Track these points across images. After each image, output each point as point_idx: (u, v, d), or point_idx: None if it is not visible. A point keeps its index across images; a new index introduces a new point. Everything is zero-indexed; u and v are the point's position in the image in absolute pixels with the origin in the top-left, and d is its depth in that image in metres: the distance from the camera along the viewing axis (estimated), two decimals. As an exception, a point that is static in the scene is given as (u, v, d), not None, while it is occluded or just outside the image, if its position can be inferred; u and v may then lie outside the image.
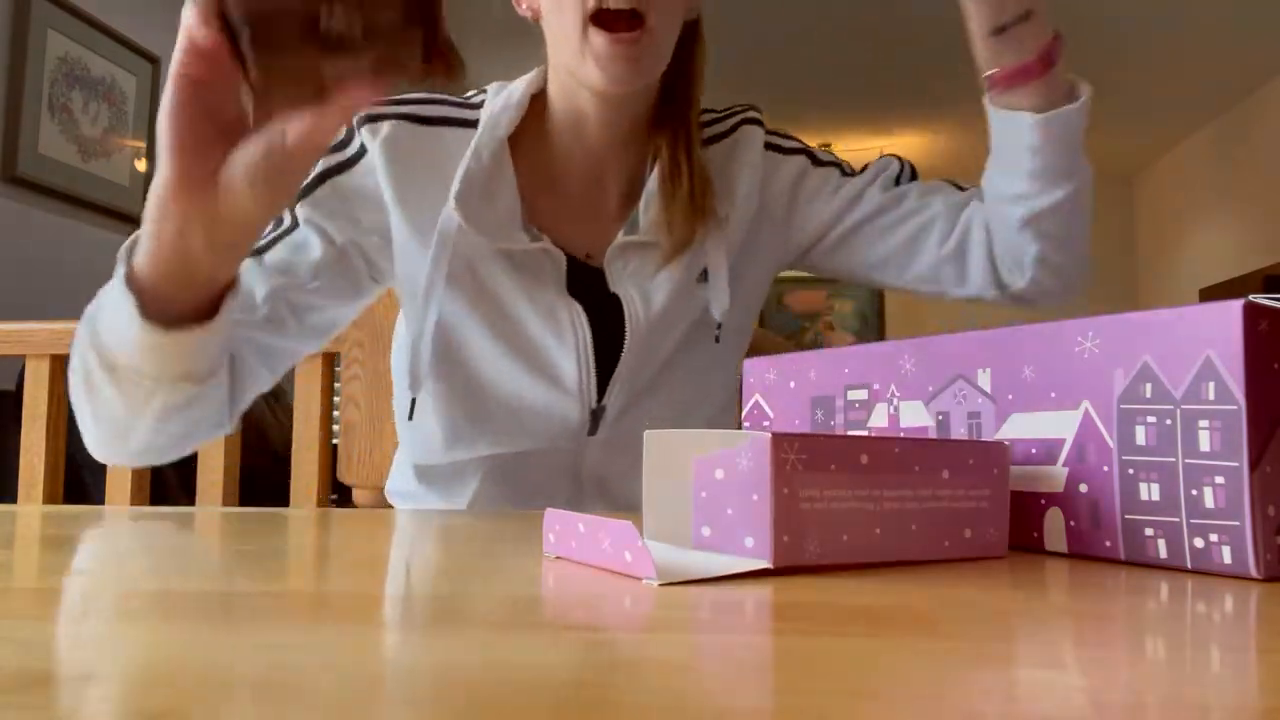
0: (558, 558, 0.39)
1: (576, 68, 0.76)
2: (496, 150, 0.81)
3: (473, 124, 0.83)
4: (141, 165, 2.55)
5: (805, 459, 0.36)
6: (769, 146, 0.89)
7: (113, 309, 0.58)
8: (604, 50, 0.73)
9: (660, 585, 0.32)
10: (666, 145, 0.84)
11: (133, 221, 2.51)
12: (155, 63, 2.59)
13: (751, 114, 0.90)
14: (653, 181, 0.84)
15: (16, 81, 2.14)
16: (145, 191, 2.89)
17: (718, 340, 0.86)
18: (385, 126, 0.80)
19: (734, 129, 0.89)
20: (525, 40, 0.85)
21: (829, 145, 5.68)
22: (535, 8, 0.81)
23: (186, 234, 0.51)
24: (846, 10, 3.87)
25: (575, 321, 0.81)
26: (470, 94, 0.87)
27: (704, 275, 0.85)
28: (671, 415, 0.85)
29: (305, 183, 0.79)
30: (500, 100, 0.83)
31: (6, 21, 2.14)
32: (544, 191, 0.84)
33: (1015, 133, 0.75)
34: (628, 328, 0.82)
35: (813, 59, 4.37)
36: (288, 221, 0.78)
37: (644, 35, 0.74)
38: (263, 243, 0.77)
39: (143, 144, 2.56)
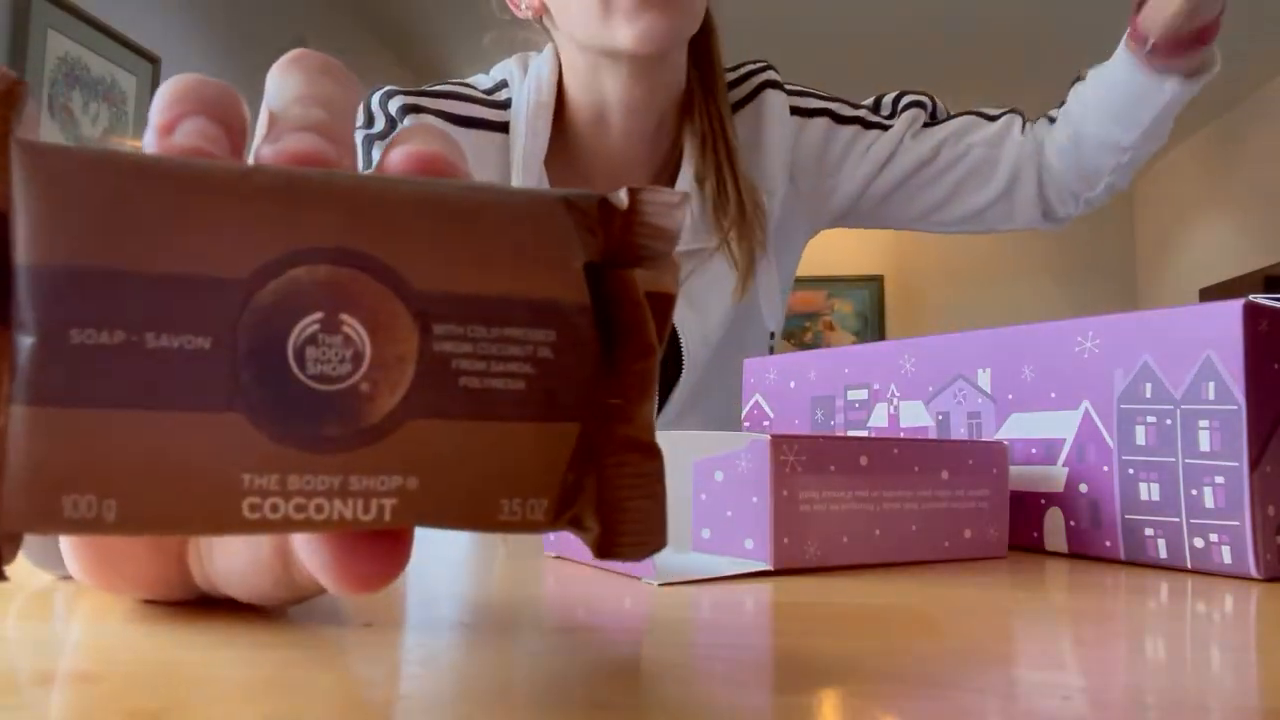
0: (557, 557, 0.39)
1: (603, 36, 0.71)
2: (539, 169, 0.76)
3: (500, 127, 0.78)
4: (141, 165, 2.55)
5: (805, 460, 0.36)
6: (792, 111, 0.84)
7: None
8: (633, 9, 0.69)
9: (660, 585, 0.32)
10: (700, 148, 0.79)
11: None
12: (155, 63, 2.59)
13: (770, 74, 0.86)
14: (685, 185, 0.79)
15: (16, 81, 2.14)
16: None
17: (771, 350, 0.83)
18: (430, 121, 0.75)
19: (755, 93, 0.84)
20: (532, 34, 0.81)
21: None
22: (536, 5, 0.76)
23: None
24: (845, 11, 3.88)
25: None
26: (489, 86, 0.81)
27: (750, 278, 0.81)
28: (715, 424, 0.83)
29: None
30: (529, 97, 0.77)
31: (6, 21, 2.14)
32: None
33: (1155, 94, 0.75)
34: (685, 352, 0.78)
35: (813, 59, 4.37)
36: None
37: None
38: None
39: (142, 144, 2.56)
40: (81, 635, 0.24)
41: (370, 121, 0.78)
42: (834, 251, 6.55)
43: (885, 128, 0.85)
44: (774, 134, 0.83)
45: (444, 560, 0.41)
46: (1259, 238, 4.75)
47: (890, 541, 0.37)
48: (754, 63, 0.87)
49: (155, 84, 2.59)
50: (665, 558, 0.36)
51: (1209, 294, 5.14)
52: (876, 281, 6.51)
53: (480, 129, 0.78)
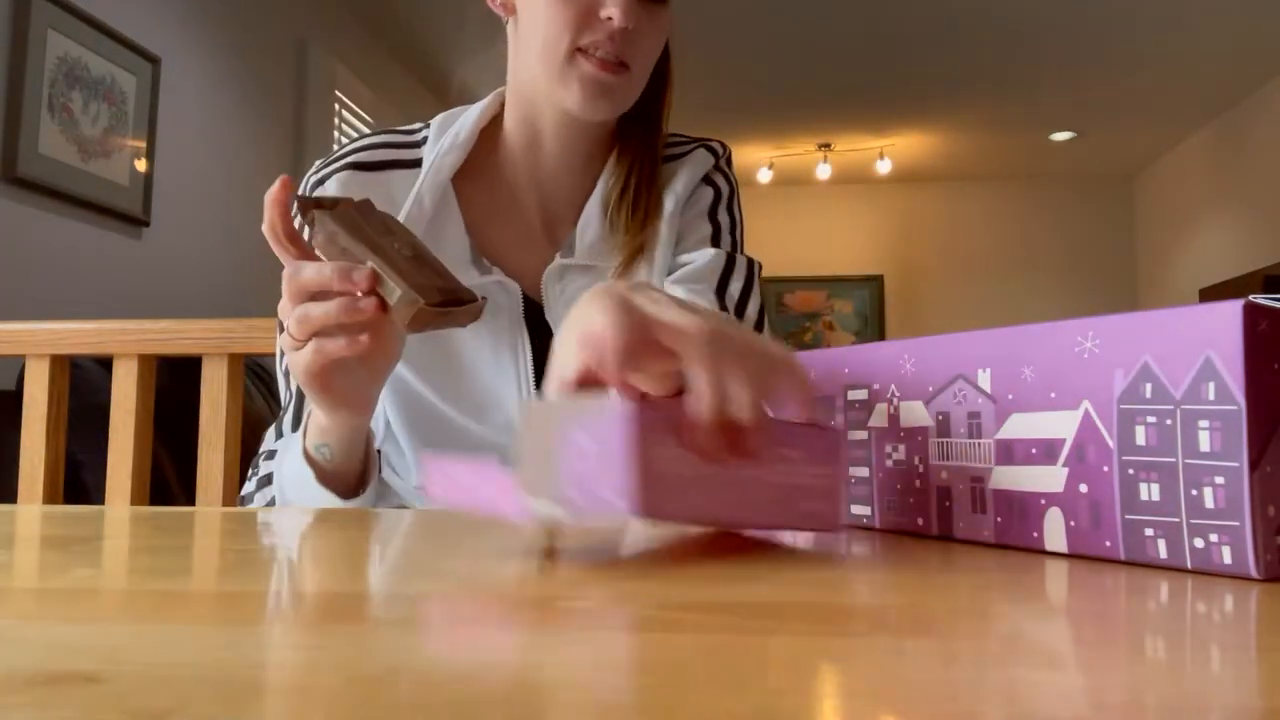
0: (441, 499, 0.42)
1: (554, 89, 0.77)
2: (439, 193, 0.80)
3: (416, 164, 0.82)
4: (141, 165, 2.54)
5: (665, 424, 0.38)
6: (707, 177, 0.89)
7: (306, 500, 0.69)
8: (589, 75, 0.75)
9: (535, 527, 0.34)
10: (624, 172, 0.84)
11: (132, 221, 2.51)
12: (155, 63, 2.58)
13: (713, 143, 0.91)
14: (592, 205, 0.84)
15: (16, 81, 2.14)
16: (145, 191, 2.81)
17: None
18: (331, 182, 0.80)
19: (690, 151, 0.89)
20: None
21: (829, 145, 5.68)
22: (512, 6, 0.80)
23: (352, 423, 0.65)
24: (845, 11, 3.87)
25: (521, 357, 0.80)
26: (415, 127, 0.86)
27: None
28: None
29: None
30: (446, 140, 0.82)
31: (6, 21, 2.14)
32: (495, 223, 0.83)
33: None
34: None
35: (812, 60, 4.37)
36: None
37: (626, 74, 0.76)
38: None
39: (143, 144, 2.55)
40: (82, 635, 0.24)
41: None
42: (834, 251, 6.55)
43: (697, 252, 0.86)
44: (683, 178, 0.87)
45: (441, 560, 0.41)
46: (1259, 238, 4.75)
47: (740, 506, 0.41)
48: (711, 139, 0.92)
49: (155, 84, 2.59)
50: (538, 507, 0.39)
51: (1209, 294, 5.14)
52: (876, 281, 6.51)
53: (393, 169, 0.83)
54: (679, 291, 0.82)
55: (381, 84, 4.04)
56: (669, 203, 0.85)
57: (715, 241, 0.86)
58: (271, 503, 0.73)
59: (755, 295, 0.86)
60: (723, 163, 0.91)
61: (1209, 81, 4.64)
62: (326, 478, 0.67)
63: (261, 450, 0.78)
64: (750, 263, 0.87)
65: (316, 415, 0.66)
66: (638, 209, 0.83)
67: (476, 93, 0.89)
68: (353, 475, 0.69)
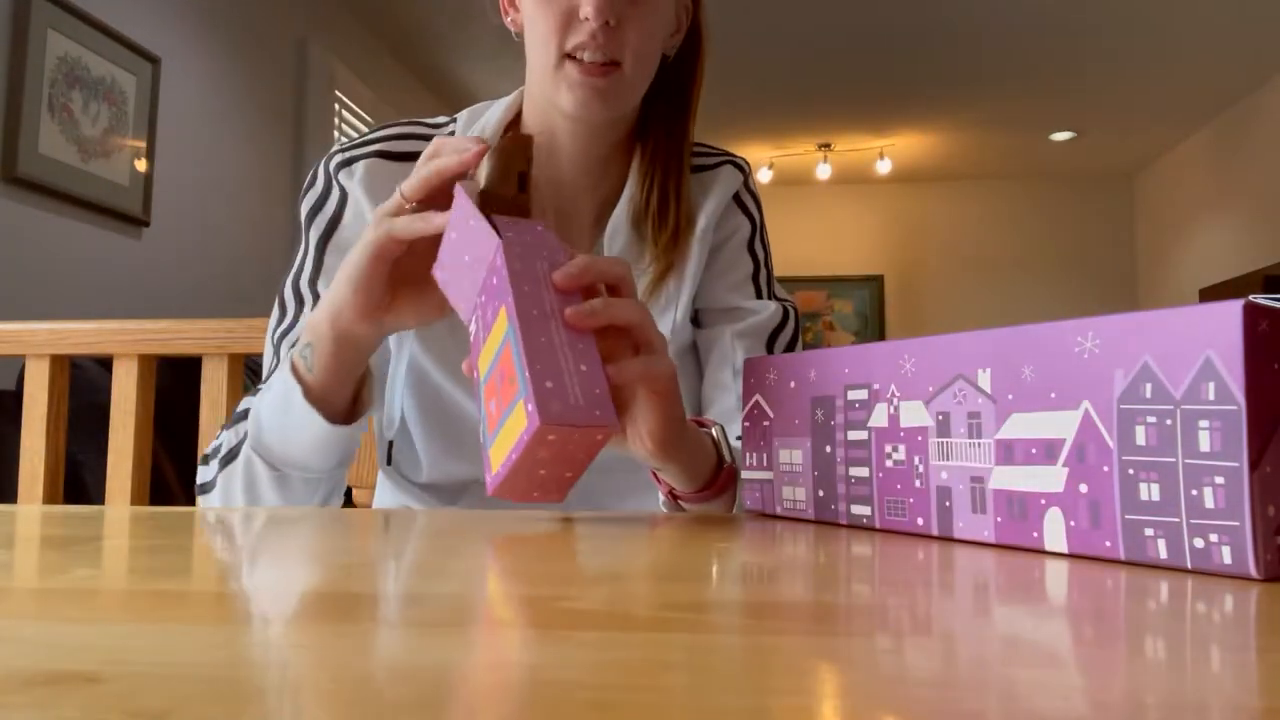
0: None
1: (549, 91, 0.77)
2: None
3: None
4: (141, 165, 2.54)
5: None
6: (737, 197, 0.90)
7: (286, 425, 0.68)
8: (576, 80, 0.75)
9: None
10: (649, 180, 0.84)
11: (132, 221, 2.51)
12: (155, 63, 2.58)
13: (738, 159, 0.92)
14: (621, 213, 0.84)
15: (16, 81, 2.14)
16: (145, 191, 2.80)
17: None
18: (360, 166, 0.81)
19: (718, 165, 0.90)
20: (520, 50, 0.85)
21: (829, 145, 5.68)
22: (519, 22, 0.81)
23: (360, 340, 0.65)
24: (845, 11, 3.87)
25: None
26: (440, 120, 0.87)
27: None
28: None
29: (310, 258, 0.80)
30: (474, 133, 0.83)
31: (6, 21, 2.14)
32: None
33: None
34: None
35: (813, 59, 4.37)
36: (310, 301, 0.79)
37: (617, 72, 0.76)
38: (296, 333, 0.78)
39: (143, 144, 2.55)
40: (82, 635, 0.24)
41: (324, 197, 0.83)
42: (834, 252, 6.55)
43: (757, 302, 0.88)
44: (713, 195, 0.87)
45: (441, 559, 0.41)
46: (1259, 238, 4.75)
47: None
48: (735, 155, 0.92)
49: (155, 84, 2.59)
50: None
51: (1209, 294, 5.14)
52: (876, 281, 6.51)
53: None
54: (740, 344, 0.85)
55: (381, 84, 4.04)
56: (700, 220, 0.86)
57: (756, 276, 0.90)
58: (242, 440, 0.70)
59: (799, 346, 0.90)
60: (751, 182, 0.92)
61: (1209, 81, 4.64)
62: (313, 396, 0.66)
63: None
64: (796, 313, 0.91)
65: (313, 315, 0.65)
66: (665, 223, 0.83)
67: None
68: (342, 401, 0.68)
